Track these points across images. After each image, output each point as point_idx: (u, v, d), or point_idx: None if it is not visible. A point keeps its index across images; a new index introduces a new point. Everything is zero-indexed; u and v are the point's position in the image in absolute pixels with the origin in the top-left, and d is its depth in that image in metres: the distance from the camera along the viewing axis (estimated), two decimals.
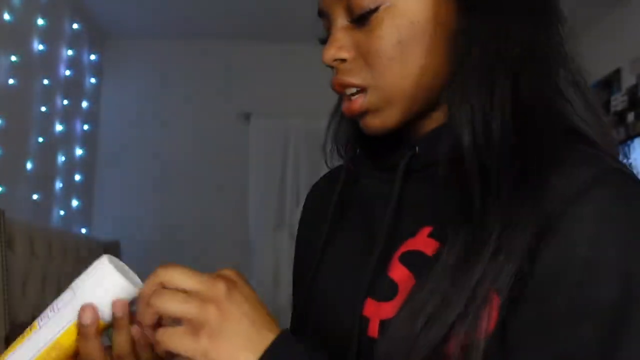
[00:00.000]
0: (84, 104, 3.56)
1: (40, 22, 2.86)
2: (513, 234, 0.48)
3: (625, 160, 3.31)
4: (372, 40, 0.54)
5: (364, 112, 0.57)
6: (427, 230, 0.55)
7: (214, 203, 3.80)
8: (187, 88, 3.89)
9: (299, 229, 0.78)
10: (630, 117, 3.41)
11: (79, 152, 3.47)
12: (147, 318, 0.48)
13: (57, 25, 3.10)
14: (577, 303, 0.46)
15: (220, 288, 0.47)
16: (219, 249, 3.74)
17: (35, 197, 2.83)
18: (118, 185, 3.76)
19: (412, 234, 0.55)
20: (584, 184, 0.48)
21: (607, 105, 3.65)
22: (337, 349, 0.55)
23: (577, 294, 0.46)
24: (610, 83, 3.63)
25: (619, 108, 3.52)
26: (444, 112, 0.57)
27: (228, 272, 0.50)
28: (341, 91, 0.58)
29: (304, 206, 0.79)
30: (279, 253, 3.71)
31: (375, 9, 0.54)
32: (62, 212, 3.18)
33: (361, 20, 0.55)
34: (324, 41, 0.60)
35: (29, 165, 2.77)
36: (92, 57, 3.67)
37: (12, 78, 2.55)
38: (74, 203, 3.39)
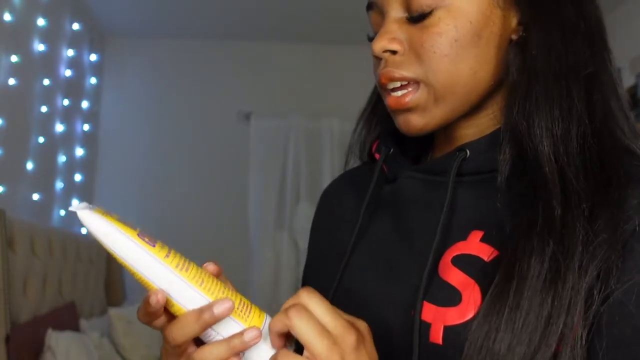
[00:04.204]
0: (84, 104, 3.56)
1: (40, 22, 2.86)
2: (598, 250, 0.47)
3: None
4: (429, 35, 0.54)
5: (410, 109, 0.57)
6: (478, 234, 0.54)
7: (214, 203, 3.80)
8: (187, 88, 3.89)
9: (312, 233, 0.75)
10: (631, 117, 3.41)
11: (79, 152, 3.47)
12: (278, 326, 0.48)
13: (57, 26, 3.10)
14: None
15: (351, 339, 0.46)
16: (219, 249, 3.74)
17: (35, 197, 2.83)
18: (118, 185, 3.76)
19: (463, 237, 0.55)
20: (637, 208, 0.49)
21: None
22: (389, 355, 0.53)
23: None
24: None
25: None
26: (487, 119, 0.59)
27: (362, 326, 0.49)
28: (386, 84, 0.57)
29: (318, 209, 0.76)
30: (279, 253, 3.71)
31: (435, 8, 0.54)
32: (62, 212, 3.18)
33: (419, 18, 0.55)
34: (372, 38, 0.59)
35: (29, 165, 2.77)
36: (92, 57, 3.67)
37: (13, 78, 2.55)
38: (75, 203, 3.39)
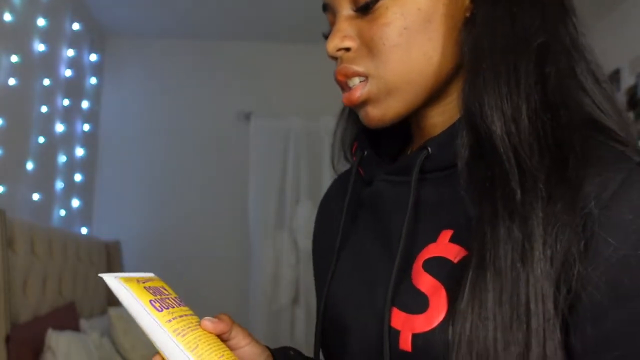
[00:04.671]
0: (84, 104, 3.56)
1: (40, 22, 2.86)
2: (560, 235, 0.45)
3: None
4: (377, 27, 0.53)
5: (364, 102, 0.56)
6: (447, 234, 0.52)
7: (214, 203, 3.80)
8: (187, 88, 3.89)
9: (313, 242, 0.75)
10: (630, 117, 3.41)
11: (79, 152, 3.48)
12: None
13: (57, 26, 3.11)
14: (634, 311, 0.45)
15: None
16: (219, 249, 3.74)
17: (35, 197, 2.83)
18: (118, 185, 3.77)
19: (433, 238, 0.53)
20: (615, 186, 0.46)
21: None
22: None
23: (633, 303, 0.44)
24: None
25: None
26: (453, 105, 0.56)
27: None
28: (343, 81, 0.57)
29: (316, 218, 0.76)
30: (279, 253, 3.71)
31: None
32: (62, 212, 3.18)
33: (365, 8, 0.54)
34: (327, 36, 0.59)
35: (29, 165, 2.77)
36: (92, 57, 3.67)
37: (13, 78, 2.55)
38: (74, 203, 3.39)
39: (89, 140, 3.63)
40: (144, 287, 0.57)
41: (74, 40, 3.34)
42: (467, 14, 0.54)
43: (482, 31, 0.52)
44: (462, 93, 0.53)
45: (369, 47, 0.54)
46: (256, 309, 3.60)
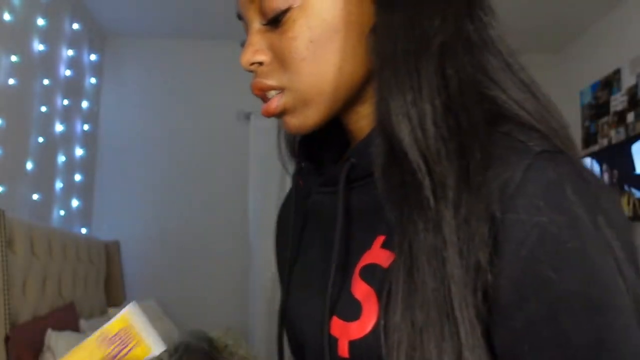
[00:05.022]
0: (84, 104, 3.56)
1: (40, 22, 2.86)
2: (469, 243, 0.45)
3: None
4: (286, 41, 0.54)
5: (282, 113, 0.57)
6: (380, 239, 0.53)
7: (214, 203, 3.80)
8: (187, 88, 3.89)
9: (276, 256, 0.77)
10: (630, 117, 3.41)
11: (79, 152, 3.47)
12: None
13: (57, 26, 3.10)
14: (547, 304, 0.45)
15: None
16: (218, 249, 3.74)
17: (35, 197, 2.83)
18: (118, 185, 3.76)
19: (369, 245, 0.54)
20: (513, 186, 0.45)
21: (607, 105, 3.65)
22: None
23: (542, 298, 0.44)
24: (610, 83, 3.63)
25: (619, 108, 3.52)
26: (373, 108, 0.55)
27: None
28: (261, 94, 0.58)
29: (275, 231, 0.77)
30: None
31: (287, 10, 0.53)
32: (62, 212, 3.18)
33: (274, 22, 0.54)
34: (243, 44, 0.58)
35: (29, 165, 2.77)
36: (92, 57, 3.67)
37: (12, 78, 2.55)
38: (74, 203, 3.39)
39: (88, 140, 3.62)
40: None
41: (74, 40, 3.33)
42: (372, 22, 0.54)
43: (383, 38, 0.52)
44: (374, 100, 0.53)
45: (281, 60, 0.55)
46: (256, 309, 3.60)
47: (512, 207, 0.45)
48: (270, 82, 0.56)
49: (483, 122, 0.49)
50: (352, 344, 0.51)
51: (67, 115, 3.27)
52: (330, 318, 0.53)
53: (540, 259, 0.44)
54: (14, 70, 2.56)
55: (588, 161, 3.68)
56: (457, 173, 0.47)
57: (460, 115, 0.49)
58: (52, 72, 3.04)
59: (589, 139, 3.82)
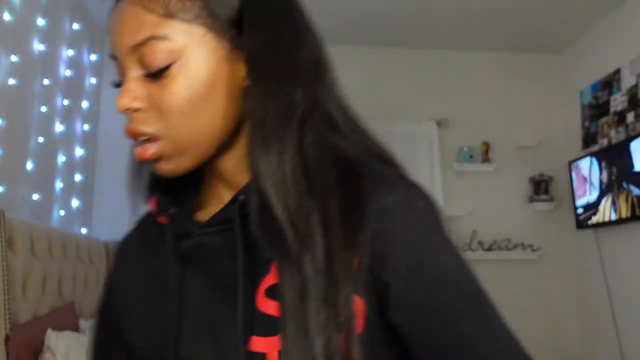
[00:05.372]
0: (84, 104, 3.56)
1: (40, 22, 2.86)
2: (343, 268, 0.56)
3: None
4: (165, 95, 0.58)
5: (156, 159, 0.61)
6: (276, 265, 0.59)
7: None
8: None
9: (111, 290, 0.74)
10: (630, 117, 3.41)
11: (79, 152, 3.47)
12: None
13: (57, 26, 3.10)
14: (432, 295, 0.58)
15: None
16: None
17: (35, 197, 2.83)
18: (118, 185, 3.75)
19: (267, 271, 0.59)
20: (387, 207, 0.58)
21: (607, 105, 3.65)
22: None
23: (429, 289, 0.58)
24: (610, 83, 3.63)
25: (619, 108, 3.52)
26: (241, 151, 0.63)
27: None
28: (134, 138, 0.61)
29: (116, 267, 0.75)
30: None
31: (168, 67, 0.58)
32: (62, 212, 3.18)
33: (154, 75, 0.58)
34: (118, 85, 0.62)
35: (29, 165, 2.77)
36: (92, 57, 3.67)
37: (12, 78, 2.55)
38: (74, 203, 3.39)
39: (88, 140, 3.62)
40: None
41: (74, 40, 3.33)
42: (245, 84, 0.60)
43: (255, 104, 0.59)
44: (244, 149, 0.61)
45: (159, 111, 0.59)
46: None
47: (389, 225, 0.58)
48: (146, 129, 0.59)
49: (335, 181, 0.59)
50: (281, 353, 0.56)
51: (67, 115, 3.27)
52: (248, 338, 0.58)
53: (418, 250, 0.59)
54: (14, 70, 2.56)
55: (588, 161, 3.67)
56: (320, 224, 0.57)
57: (316, 176, 0.58)
58: (52, 72, 3.04)
59: (589, 138, 3.82)
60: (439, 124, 4.06)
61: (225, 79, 0.60)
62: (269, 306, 0.58)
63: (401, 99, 4.11)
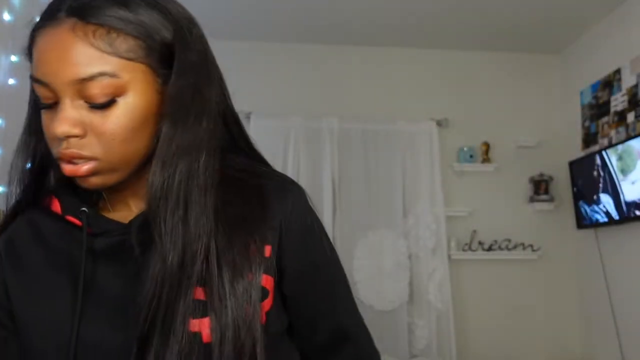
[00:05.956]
0: None
1: None
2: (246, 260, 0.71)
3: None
4: (108, 124, 0.66)
5: (89, 175, 0.68)
6: None
7: None
8: None
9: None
10: (630, 117, 3.41)
11: None
12: None
13: None
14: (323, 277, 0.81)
15: None
16: None
17: None
18: None
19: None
20: (289, 209, 0.76)
21: (607, 105, 3.65)
22: None
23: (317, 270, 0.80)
24: (610, 83, 3.63)
25: (619, 108, 3.52)
26: (144, 171, 0.73)
27: None
28: (70, 160, 0.67)
29: (9, 262, 0.77)
30: None
31: (113, 100, 0.65)
32: None
33: (98, 107, 0.65)
34: (43, 106, 0.67)
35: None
36: None
37: (12, 78, 2.55)
38: None
39: None
40: None
41: None
42: (158, 111, 0.70)
43: (166, 135, 0.69)
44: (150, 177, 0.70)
45: (99, 137, 0.66)
46: None
47: (289, 222, 0.76)
48: (84, 153, 0.66)
49: (234, 194, 0.74)
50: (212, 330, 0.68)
51: None
52: (187, 321, 0.68)
53: (308, 240, 0.78)
54: (14, 70, 2.56)
55: (587, 160, 3.67)
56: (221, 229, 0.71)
57: (208, 191, 0.71)
58: None
59: (589, 139, 3.82)
60: (439, 124, 4.06)
61: (156, 109, 0.69)
62: (199, 293, 0.69)
63: (401, 99, 4.11)
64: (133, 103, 0.67)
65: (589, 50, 3.94)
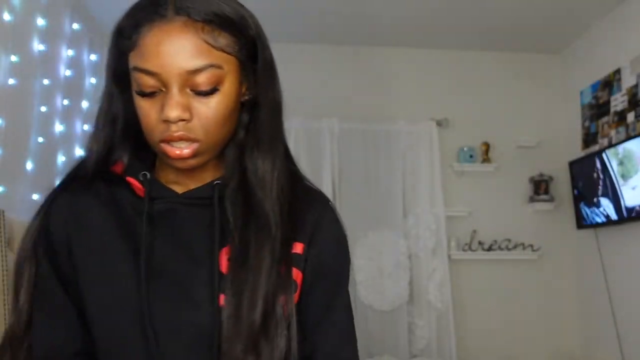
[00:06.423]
0: (84, 104, 3.56)
1: (40, 22, 2.86)
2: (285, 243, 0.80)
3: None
4: (210, 109, 0.75)
5: (189, 157, 0.77)
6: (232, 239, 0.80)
7: None
8: None
9: (55, 244, 0.83)
10: (630, 117, 3.41)
11: (79, 152, 3.47)
12: None
13: (57, 26, 3.10)
14: (335, 276, 0.87)
15: None
16: None
17: (35, 197, 2.82)
18: None
19: (227, 241, 0.79)
20: (320, 217, 0.86)
21: (607, 105, 3.65)
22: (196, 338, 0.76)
23: (333, 271, 0.87)
24: (610, 83, 3.63)
25: (619, 108, 3.52)
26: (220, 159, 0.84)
27: None
28: (177, 140, 0.75)
29: (60, 221, 0.85)
30: None
31: (216, 88, 0.75)
32: None
33: (202, 94, 0.74)
34: (144, 94, 0.75)
35: (29, 165, 2.77)
36: (92, 57, 3.67)
37: (12, 78, 2.55)
38: None
39: None
40: None
41: (74, 40, 3.33)
42: (244, 99, 0.82)
43: (261, 122, 0.83)
44: (239, 154, 0.83)
45: (202, 121, 0.75)
46: None
47: (320, 227, 0.86)
48: (192, 135, 0.75)
49: (290, 193, 0.83)
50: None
51: (67, 115, 3.27)
52: (219, 295, 0.76)
53: (337, 256, 0.88)
54: (14, 70, 2.56)
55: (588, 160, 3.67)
56: (282, 214, 0.81)
57: (282, 186, 0.82)
58: (52, 72, 3.04)
59: (589, 139, 3.82)
60: (439, 124, 4.06)
61: (240, 95, 0.80)
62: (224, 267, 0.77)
63: (401, 99, 4.11)
64: (229, 91, 0.76)
65: (589, 50, 3.94)
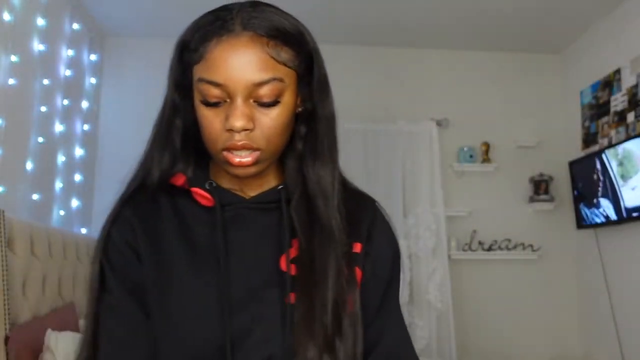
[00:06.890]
0: (84, 104, 3.56)
1: (40, 22, 2.86)
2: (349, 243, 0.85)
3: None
4: (271, 120, 0.79)
5: (250, 165, 0.81)
6: (295, 242, 0.84)
7: None
8: None
9: (126, 256, 0.84)
10: (630, 117, 3.41)
11: (79, 152, 3.47)
12: None
13: (57, 25, 3.10)
14: (388, 275, 0.90)
15: None
16: None
17: (35, 197, 2.83)
18: (118, 185, 3.75)
19: (290, 245, 0.84)
20: (374, 216, 0.91)
21: (607, 105, 3.65)
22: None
23: (386, 272, 0.90)
24: (610, 83, 3.63)
25: (619, 108, 3.52)
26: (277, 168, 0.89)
27: None
28: (240, 149, 0.79)
29: (128, 235, 0.85)
30: None
31: (276, 102, 0.78)
32: (62, 212, 3.18)
33: (265, 105, 0.78)
34: (209, 104, 0.78)
35: (29, 165, 2.77)
36: (92, 57, 3.67)
37: (12, 78, 2.55)
38: (74, 203, 3.38)
39: (88, 141, 3.62)
40: None
41: (73, 40, 3.33)
42: (299, 110, 0.85)
43: (319, 132, 0.86)
44: (297, 163, 0.87)
45: (263, 131, 0.79)
46: None
47: (374, 227, 0.90)
48: (254, 144, 0.79)
49: (346, 197, 0.88)
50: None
51: (67, 115, 3.27)
52: (289, 294, 0.80)
53: (391, 251, 0.92)
54: (14, 70, 2.56)
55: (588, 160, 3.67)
56: (342, 216, 0.86)
57: (338, 192, 0.87)
58: (52, 72, 3.04)
59: (589, 138, 3.82)
60: (439, 124, 4.06)
61: (296, 107, 0.83)
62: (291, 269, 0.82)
63: (401, 99, 4.11)
64: (288, 103, 0.80)
65: (589, 50, 3.94)
